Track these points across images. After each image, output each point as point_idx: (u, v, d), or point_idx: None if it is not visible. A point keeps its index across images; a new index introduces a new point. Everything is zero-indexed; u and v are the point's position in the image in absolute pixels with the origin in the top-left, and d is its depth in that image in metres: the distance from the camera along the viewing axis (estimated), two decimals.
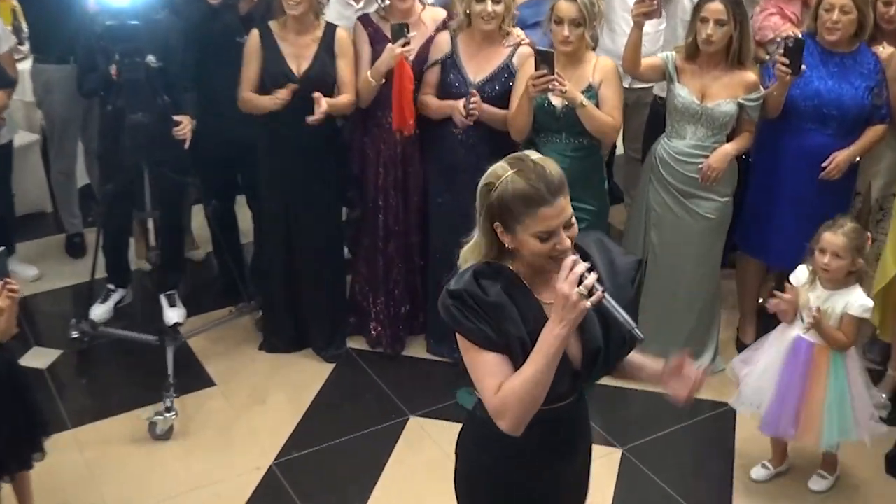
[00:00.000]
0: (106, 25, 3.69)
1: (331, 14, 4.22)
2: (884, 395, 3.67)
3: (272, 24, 3.96)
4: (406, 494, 3.53)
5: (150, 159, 3.87)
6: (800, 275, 3.43)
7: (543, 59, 3.51)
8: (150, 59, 3.72)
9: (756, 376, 3.47)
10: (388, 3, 4.01)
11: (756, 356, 3.53)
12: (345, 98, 3.96)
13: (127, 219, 4.50)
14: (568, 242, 1.93)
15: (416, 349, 4.42)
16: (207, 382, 4.16)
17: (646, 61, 3.90)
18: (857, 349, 3.52)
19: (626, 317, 1.88)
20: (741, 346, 4.21)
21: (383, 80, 3.91)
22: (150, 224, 4.05)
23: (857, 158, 3.96)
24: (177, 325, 4.26)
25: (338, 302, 4.39)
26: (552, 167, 1.95)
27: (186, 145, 3.92)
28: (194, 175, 4.23)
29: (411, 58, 3.87)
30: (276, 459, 3.67)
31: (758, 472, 3.64)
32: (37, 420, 3.16)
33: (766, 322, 4.01)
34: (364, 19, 4.10)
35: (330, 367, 4.26)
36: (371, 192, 4.20)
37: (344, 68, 3.97)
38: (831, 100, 3.86)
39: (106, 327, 4.36)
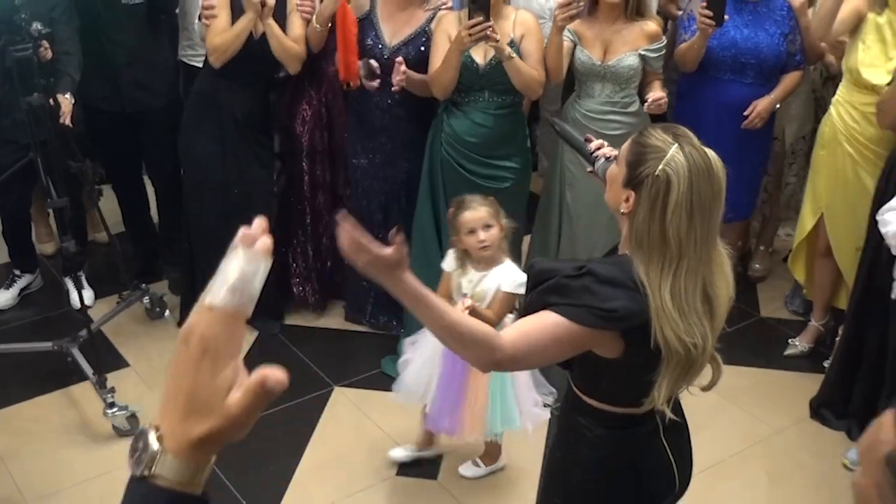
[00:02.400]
0: None
1: None
2: (552, 389, 3.49)
3: None
4: (332, 464, 3.48)
5: (45, 143, 3.60)
6: (449, 261, 3.24)
7: (479, 6, 3.38)
8: (37, 25, 3.49)
9: (416, 370, 3.28)
10: None
11: (420, 344, 3.32)
12: (293, 50, 3.82)
13: (23, 202, 4.27)
14: None
15: (334, 319, 4.36)
16: (122, 363, 4.00)
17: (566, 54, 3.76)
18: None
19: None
20: None
21: (329, 25, 3.77)
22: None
23: (777, 106, 3.98)
24: (85, 307, 4.07)
25: (277, 275, 4.24)
26: None
27: (67, 121, 3.70)
28: (81, 158, 3.92)
29: None
30: None
31: (397, 453, 3.50)
32: None
33: None
34: None
35: (248, 343, 4.13)
36: (302, 143, 4.11)
37: (294, 21, 3.82)
38: (748, 48, 3.87)
39: None
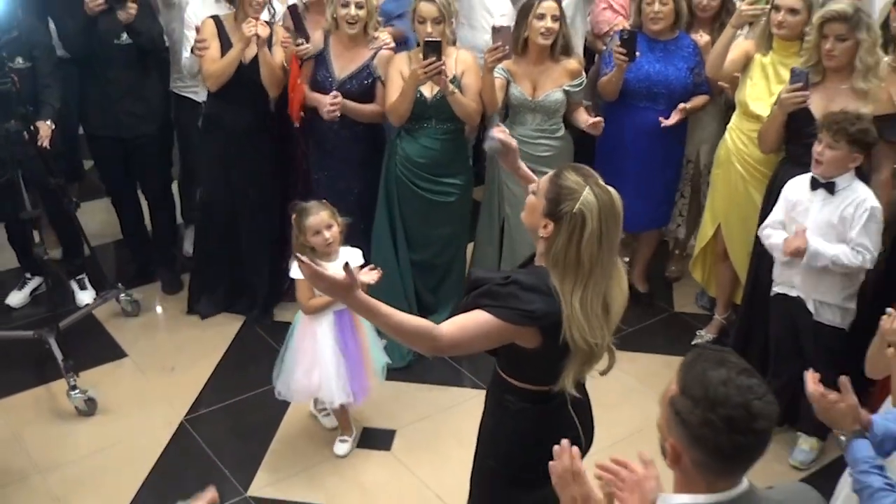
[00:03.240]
0: None
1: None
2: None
3: (223, 17, 4.42)
4: (303, 437, 4.07)
5: (23, 163, 4.17)
6: (296, 270, 3.51)
7: (431, 48, 3.97)
8: (18, 60, 4.08)
9: (304, 374, 3.77)
10: None
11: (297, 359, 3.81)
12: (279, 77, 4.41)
13: (10, 216, 4.70)
14: None
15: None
16: (119, 354, 4.60)
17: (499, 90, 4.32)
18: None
19: None
20: None
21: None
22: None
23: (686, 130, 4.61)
24: (88, 305, 4.68)
25: (274, 274, 4.83)
26: None
27: (46, 144, 4.20)
28: (59, 175, 4.41)
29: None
30: (186, 416, 4.15)
31: (340, 448, 3.96)
32: None
33: None
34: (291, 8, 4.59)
35: (231, 336, 4.74)
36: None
37: (277, 53, 4.38)
38: (659, 80, 4.49)
39: None
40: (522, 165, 2.93)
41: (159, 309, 5.02)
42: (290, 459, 3.94)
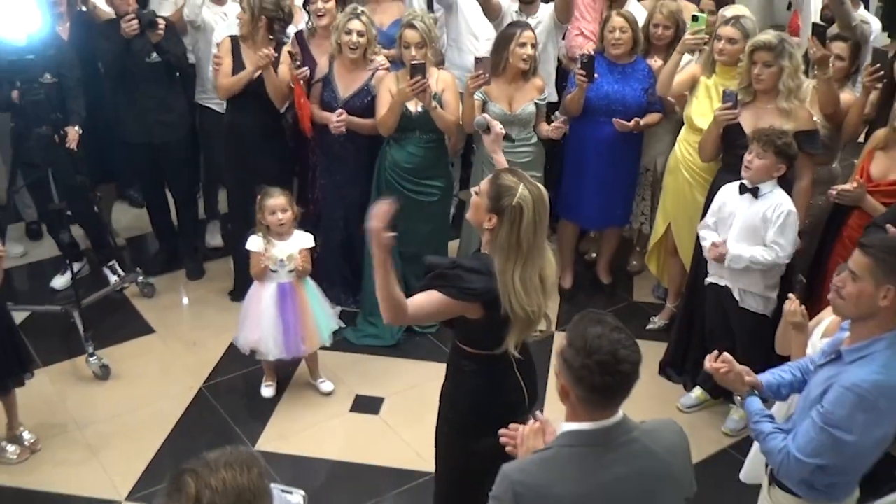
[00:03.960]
0: (8, 61, 4.61)
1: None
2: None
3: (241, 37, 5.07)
4: (303, 402, 4.76)
5: (53, 162, 4.93)
6: (254, 243, 4.50)
7: (417, 70, 4.64)
8: (46, 76, 4.78)
9: (253, 327, 4.53)
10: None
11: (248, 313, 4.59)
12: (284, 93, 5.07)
13: (45, 209, 5.29)
14: None
15: None
16: (148, 330, 5.35)
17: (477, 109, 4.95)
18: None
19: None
20: (561, 289, 5.54)
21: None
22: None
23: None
24: (109, 286, 5.45)
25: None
26: None
27: (74, 146, 4.96)
28: (86, 173, 5.20)
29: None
30: (204, 383, 4.86)
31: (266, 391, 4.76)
32: (22, 352, 4.29)
33: (582, 270, 5.50)
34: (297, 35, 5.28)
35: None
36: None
37: (283, 71, 5.00)
38: (617, 99, 5.12)
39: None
40: (500, 151, 3.52)
41: (184, 293, 5.75)
42: (292, 420, 4.62)
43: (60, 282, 5.64)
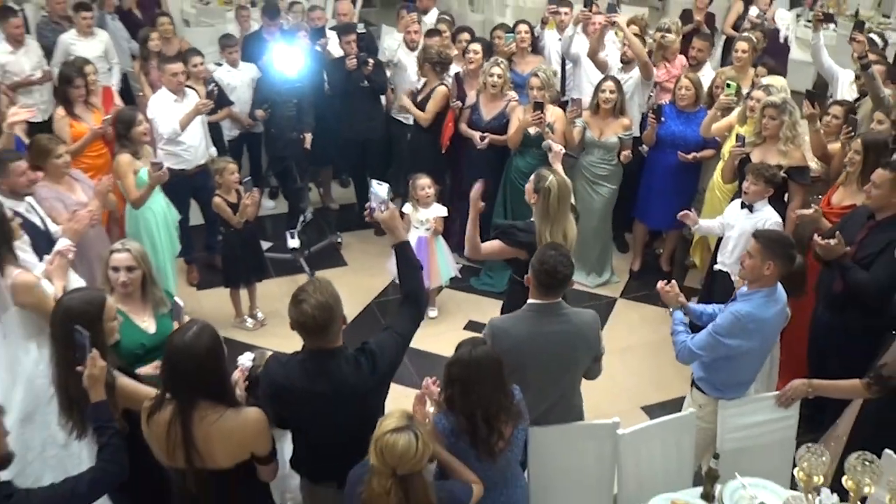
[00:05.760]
0: (281, 82, 7.34)
1: None
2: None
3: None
4: (427, 320, 7.07)
5: (295, 156, 7.63)
6: (408, 208, 6.73)
7: (538, 106, 6.82)
8: (293, 100, 7.48)
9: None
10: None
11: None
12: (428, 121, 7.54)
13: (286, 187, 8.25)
14: None
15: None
16: (342, 263, 7.93)
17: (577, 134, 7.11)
18: None
19: None
20: (631, 271, 7.63)
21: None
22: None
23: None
24: (294, 249, 7.82)
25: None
26: None
27: (307, 144, 7.66)
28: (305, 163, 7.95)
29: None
30: (374, 299, 7.28)
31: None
32: (263, 263, 6.91)
33: (651, 260, 7.49)
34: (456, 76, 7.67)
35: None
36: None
37: (430, 106, 7.48)
38: (680, 136, 7.13)
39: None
40: (559, 163, 5.58)
41: (370, 244, 8.24)
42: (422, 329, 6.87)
43: (293, 243, 8.21)
